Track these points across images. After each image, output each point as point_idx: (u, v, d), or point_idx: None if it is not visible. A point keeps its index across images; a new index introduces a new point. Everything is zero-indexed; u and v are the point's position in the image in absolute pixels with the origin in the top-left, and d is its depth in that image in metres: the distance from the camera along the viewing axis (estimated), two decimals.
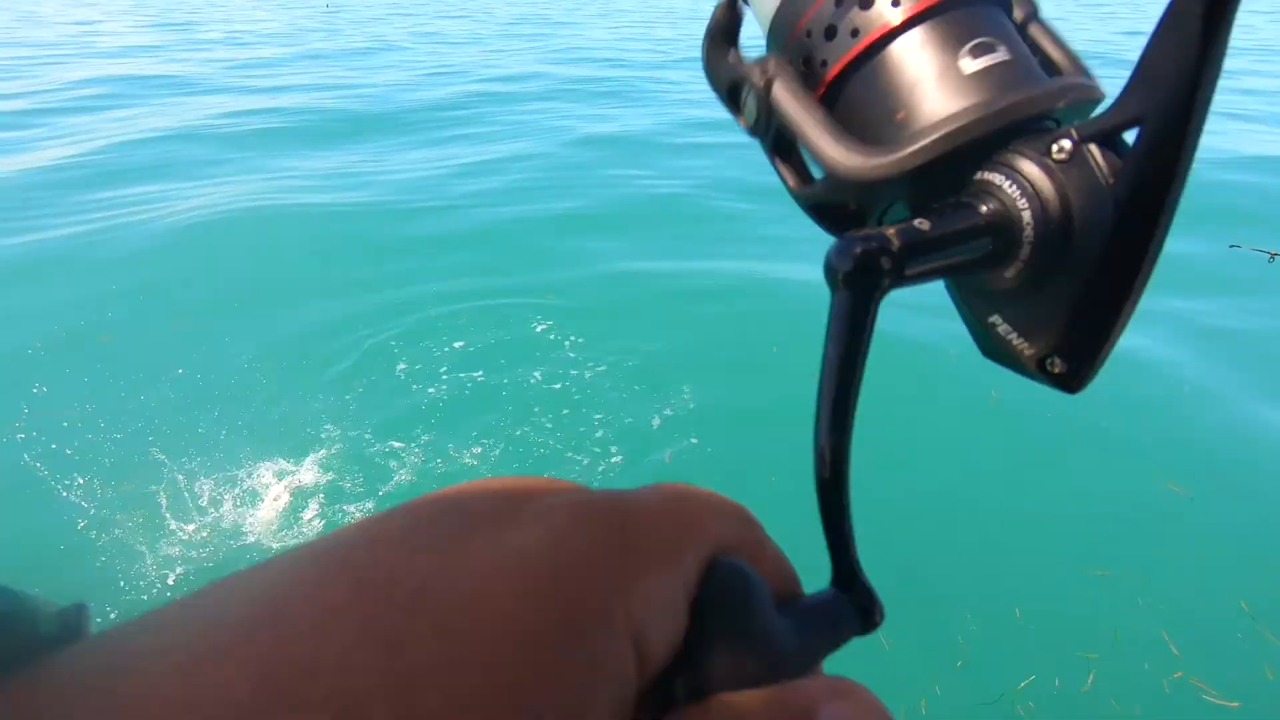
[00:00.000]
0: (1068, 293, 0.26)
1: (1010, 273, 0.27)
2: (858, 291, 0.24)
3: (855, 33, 0.29)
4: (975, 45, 0.28)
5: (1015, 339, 0.28)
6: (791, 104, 0.30)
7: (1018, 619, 1.89)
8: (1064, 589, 1.98)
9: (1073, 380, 0.27)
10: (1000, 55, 0.28)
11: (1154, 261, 0.24)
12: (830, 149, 0.29)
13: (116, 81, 7.82)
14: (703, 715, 0.18)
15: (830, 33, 0.30)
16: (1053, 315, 0.27)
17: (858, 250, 0.24)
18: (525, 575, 0.18)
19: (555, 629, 0.17)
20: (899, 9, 0.29)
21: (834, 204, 0.32)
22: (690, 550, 0.20)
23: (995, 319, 0.29)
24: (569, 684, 0.17)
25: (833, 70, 0.30)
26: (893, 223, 0.26)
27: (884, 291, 0.25)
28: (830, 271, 0.25)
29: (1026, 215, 0.26)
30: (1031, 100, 0.27)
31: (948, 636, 1.84)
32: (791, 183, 0.32)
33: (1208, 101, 0.22)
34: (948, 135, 0.27)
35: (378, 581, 0.17)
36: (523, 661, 0.16)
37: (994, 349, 0.30)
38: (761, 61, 0.31)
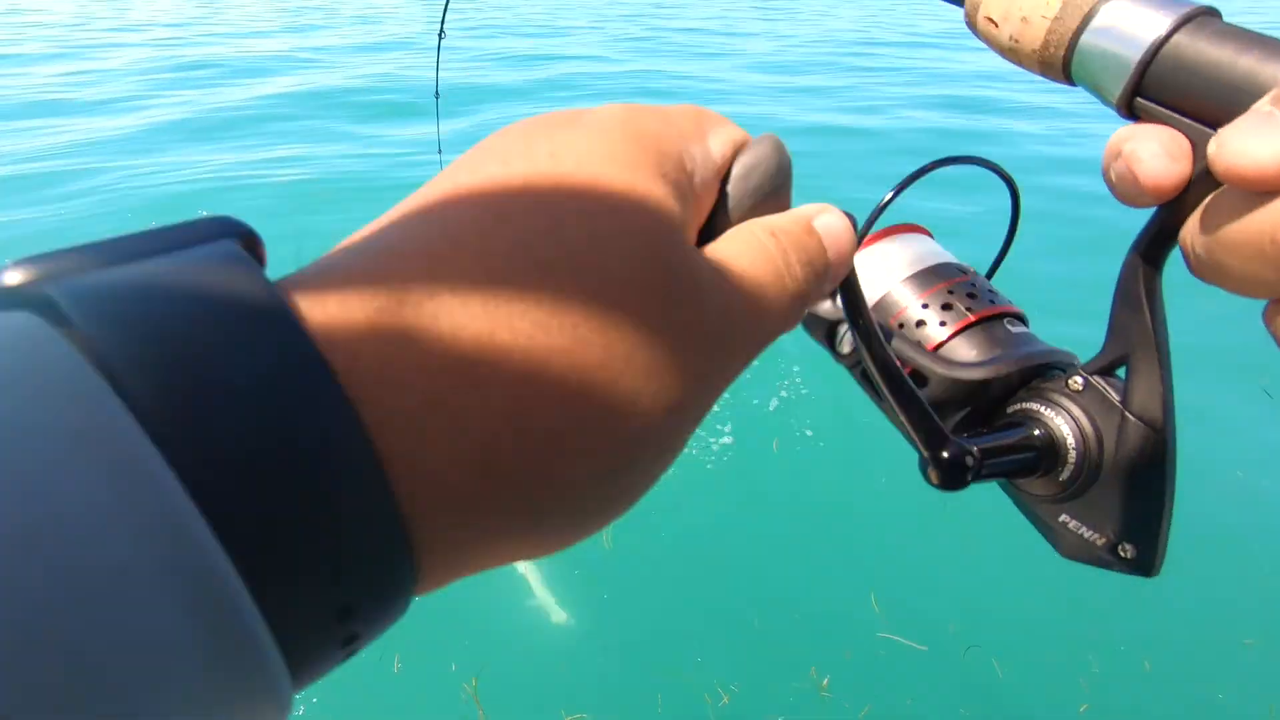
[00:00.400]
0: (1116, 485, 0.33)
1: (1064, 475, 0.35)
2: (949, 486, 0.33)
3: (936, 323, 0.41)
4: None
5: (1086, 532, 0.35)
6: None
7: (1147, 670, 1.69)
8: (1203, 651, 1.75)
9: (1146, 562, 0.33)
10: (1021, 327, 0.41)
11: (1174, 446, 0.32)
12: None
13: (238, 62, 8.35)
14: (746, 227, 0.24)
15: (919, 324, 0.41)
16: (1109, 505, 0.33)
17: (947, 454, 0.33)
18: (607, 132, 0.22)
19: (648, 147, 0.22)
20: (946, 326, 0.40)
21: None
22: (723, 134, 0.25)
23: (1064, 518, 0.35)
24: (677, 151, 0.22)
25: (919, 360, 0.40)
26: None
27: (966, 485, 0.33)
28: (925, 470, 0.34)
29: (1065, 429, 0.34)
30: (1030, 357, 0.38)
31: (1068, 676, 1.68)
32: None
33: (1166, 337, 0.32)
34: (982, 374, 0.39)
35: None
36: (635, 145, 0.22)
37: (1070, 547, 0.36)
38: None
